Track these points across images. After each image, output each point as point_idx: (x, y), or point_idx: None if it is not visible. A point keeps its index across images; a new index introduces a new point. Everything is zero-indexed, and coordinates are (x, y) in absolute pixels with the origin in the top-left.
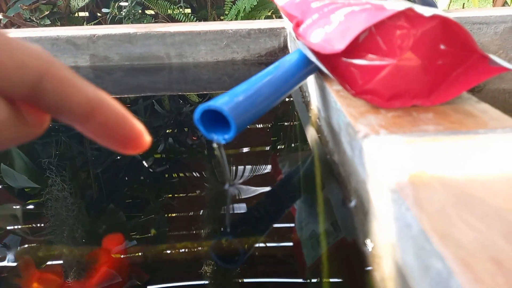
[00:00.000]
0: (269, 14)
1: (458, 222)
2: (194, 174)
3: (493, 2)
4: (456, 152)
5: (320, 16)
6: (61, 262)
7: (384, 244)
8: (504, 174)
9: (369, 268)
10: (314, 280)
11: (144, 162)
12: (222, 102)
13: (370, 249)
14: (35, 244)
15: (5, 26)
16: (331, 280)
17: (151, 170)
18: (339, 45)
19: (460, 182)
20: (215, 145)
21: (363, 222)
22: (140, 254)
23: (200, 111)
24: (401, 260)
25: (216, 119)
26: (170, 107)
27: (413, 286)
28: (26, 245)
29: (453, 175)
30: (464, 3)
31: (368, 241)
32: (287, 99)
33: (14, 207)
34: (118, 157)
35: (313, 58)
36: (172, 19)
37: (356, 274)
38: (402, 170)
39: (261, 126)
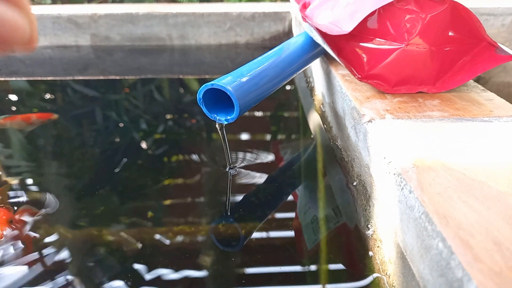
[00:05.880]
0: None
1: (459, 204)
2: (193, 157)
3: None
4: (459, 138)
5: None
6: None
7: (385, 227)
8: (506, 160)
9: (369, 251)
10: (314, 264)
11: (145, 144)
12: (226, 81)
13: (371, 233)
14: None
15: None
16: (332, 264)
17: (150, 152)
18: (347, 27)
19: (462, 167)
20: (217, 126)
21: (364, 206)
22: (136, 237)
23: (203, 90)
24: (401, 242)
25: (219, 99)
26: (170, 91)
27: (412, 267)
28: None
29: (456, 160)
30: None
31: (369, 225)
32: (290, 85)
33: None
34: (118, 140)
35: (319, 40)
36: (174, 1)
37: (356, 258)
38: (406, 154)
39: (263, 111)
